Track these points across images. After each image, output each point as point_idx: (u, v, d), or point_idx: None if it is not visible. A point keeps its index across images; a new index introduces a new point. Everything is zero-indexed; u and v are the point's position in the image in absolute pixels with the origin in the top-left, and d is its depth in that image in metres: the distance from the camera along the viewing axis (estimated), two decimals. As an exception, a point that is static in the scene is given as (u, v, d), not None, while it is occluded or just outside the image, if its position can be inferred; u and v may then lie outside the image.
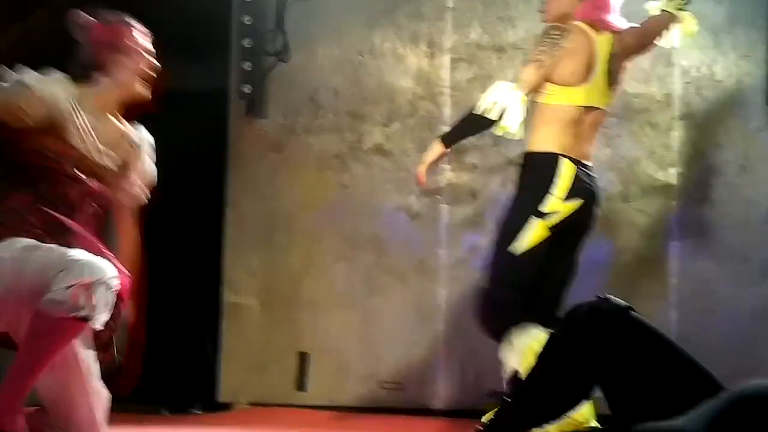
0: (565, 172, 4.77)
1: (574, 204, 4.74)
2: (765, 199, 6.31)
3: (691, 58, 6.42)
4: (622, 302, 3.40)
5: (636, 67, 6.38)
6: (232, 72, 6.76)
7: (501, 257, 4.76)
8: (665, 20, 4.95)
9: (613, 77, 4.94)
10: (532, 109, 4.86)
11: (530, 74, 4.75)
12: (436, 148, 4.83)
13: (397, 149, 6.67)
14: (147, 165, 4.43)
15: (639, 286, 6.36)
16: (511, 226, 4.74)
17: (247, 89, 6.69)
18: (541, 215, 4.70)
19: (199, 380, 6.77)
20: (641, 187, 6.44)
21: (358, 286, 6.69)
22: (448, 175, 6.58)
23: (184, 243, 6.88)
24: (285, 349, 6.67)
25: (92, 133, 4.18)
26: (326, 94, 6.74)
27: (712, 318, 6.28)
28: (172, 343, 6.61)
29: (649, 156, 6.44)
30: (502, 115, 4.66)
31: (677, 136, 6.43)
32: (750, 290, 6.31)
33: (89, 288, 3.85)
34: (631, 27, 4.95)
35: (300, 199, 6.72)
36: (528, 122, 4.86)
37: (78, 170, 4.14)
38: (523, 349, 4.60)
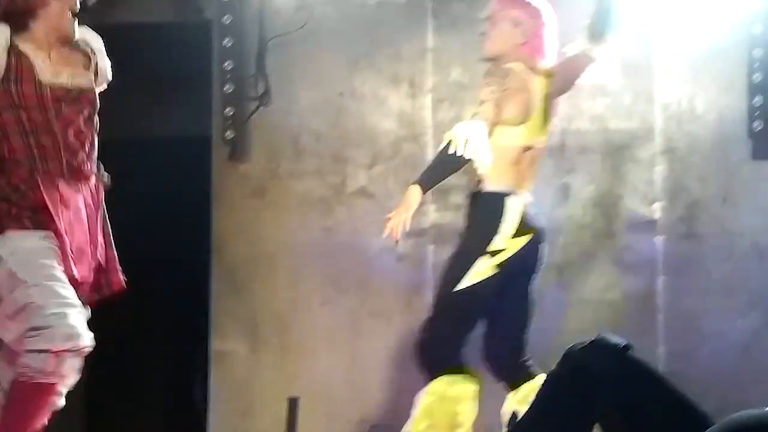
0: (513, 210, 4.82)
1: (522, 240, 4.76)
2: (749, 232, 6.32)
3: (671, 92, 6.44)
4: (621, 339, 3.40)
5: (617, 103, 6.45)
6: (214, 117, 6.76)
7: (446, 293, 4.78)
8: (584, 61, 4.99)
9: (548, 115, 4.97)
10: None
11: (489, 112, 4.76)
12: (416, 195, 4.74)
13: (380, 191, 6.67)
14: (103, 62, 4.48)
15: (627, 322, 6.35)
16: (460, 264, 4.77)
17: (229, 134, 6.69)
18: (489, 253, 4.71)
19: (189, 428, 6.73)
20: (625, 223, 6.45)
21: (344, 329, 6.68)
22: (432, 215, 6.58)
23: (170, 290, 6.86)
24: (274, 395, 6.63)
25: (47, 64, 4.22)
26: (308, 138, 6.74)
27: (699, 352, 6.28)
28: (161, 391, 6.59)
29: (633, 191, 6.45)
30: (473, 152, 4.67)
31: (660, 170, 6.44)
32: (736, 324, 6.32)
33: (60, 355, 3.97)
34: (559, 67, 4.98)
35: (284, 242, 6.71)
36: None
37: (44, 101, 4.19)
38: (433, 399, 4.67)
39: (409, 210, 4.71)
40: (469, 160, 4.64)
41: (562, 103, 6.38)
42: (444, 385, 4.70)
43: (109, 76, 4.48)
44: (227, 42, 6.68)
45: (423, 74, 6.65)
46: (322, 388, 6.64)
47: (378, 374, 6.62)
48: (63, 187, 4.21)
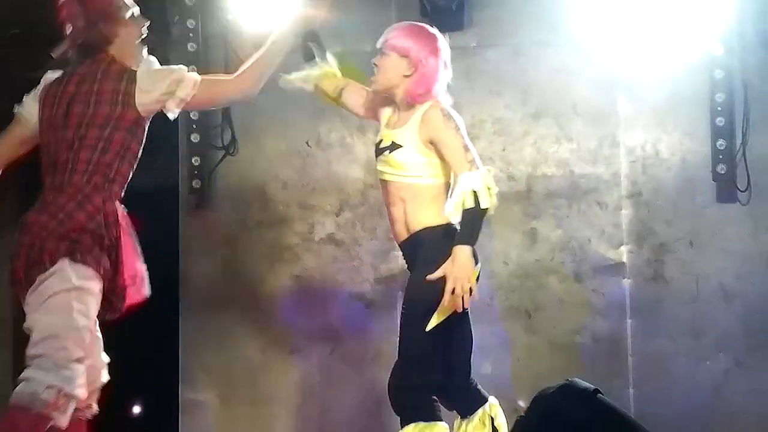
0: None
1: (477, 269, 4.71)
2: (715, 274, 6.36)
3: (635, 137, 6.50)
4: (589, 384, 3.41)
5: (582, 148, 6.49)
6: (181, 167, 6.76)
7: (413, 337, 4.73)
8: None
9: None
10: (399, 189, 4.85)
11: (475, 154, 4.76)
12: (470, 258, 4.61)
13: (348, 238, 6.68)
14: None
15: (597, 365, 6.37)
16: (422, 304, 4.69)
17: (196, 184, 6.69)
18: (454, 293, 4.66)
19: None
20: (593, 267, 6.48)
21: (315, 378, 6.66)
22: (401, 261, 6.56)
23: (140, 341, 6.82)
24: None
25: None
26: (275, 186, 6.75)
27: (668, 394, 6.29)
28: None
29: (600, 235, 6.49)
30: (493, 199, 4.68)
31: (626, 214, 6.48)
32: (704, 366, 6.34)
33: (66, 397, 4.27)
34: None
35: (253, 291, 6.69)
36: (400, 202, 4.85)
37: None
38: None
39: (472, 277, 4.66)
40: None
41: (528, 149, 6.47)
42: (420, 430, 4.67)
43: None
44: (193, 92, 6.69)
45: (389, 122, 6.66)
46: (293, 437, 6.63)
47: (350, 423, 6.59)
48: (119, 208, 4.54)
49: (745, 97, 6.33)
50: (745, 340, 6.34)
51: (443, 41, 4.86)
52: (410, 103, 4.81)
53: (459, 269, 4.56)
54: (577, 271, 6.50)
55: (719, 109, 6.32)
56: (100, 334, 4.65)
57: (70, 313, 4.36)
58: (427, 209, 4.77)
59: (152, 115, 4.58)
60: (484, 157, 4.88)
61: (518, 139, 6.48)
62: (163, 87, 4.52)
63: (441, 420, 4.72)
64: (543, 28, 6.55)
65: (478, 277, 4.69)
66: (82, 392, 4.36)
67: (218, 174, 6.79)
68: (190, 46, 6.66)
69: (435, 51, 4.81)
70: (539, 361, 6.37)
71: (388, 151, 4.82)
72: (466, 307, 4.63)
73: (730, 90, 6.32)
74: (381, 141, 4.91)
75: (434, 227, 4.77)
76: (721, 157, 6.30)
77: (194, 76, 4.61)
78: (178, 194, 6.79)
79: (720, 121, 6.31)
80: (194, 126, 6.69)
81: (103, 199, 4.44)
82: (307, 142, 6.76)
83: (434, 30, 4.88)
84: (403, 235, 4.86)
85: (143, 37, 4.68)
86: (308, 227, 6.74)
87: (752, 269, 6.34)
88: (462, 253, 4.58)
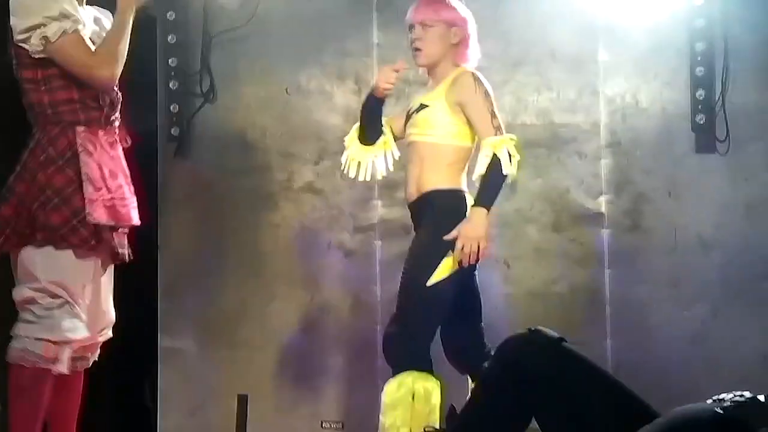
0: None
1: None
2: (694, 224, 6.37)
3: (615, 86, 6.48)
4: (554, 333, 3.41)
5: (562, 97, 6.48)
6: (159, 114, 6.73)
7: (415, 288, 4.79)
8: None
9: None
10: (421, 148, 4.94)
11: (499, 120, 4.87)
12: (486, 219, 4.77)
13: (328, 187, 6.67)
14: None
15: (575, 315, 6.39)
16: (425, 260, 4.79)
17: (175, 131, 6.66)
18: (454, 249, 4.75)
19: (138, 426, 6.70)
20: (572, 217, 6.48)
21: (293, 325, 6.67)
22: (380, 210, 6.58)
23: (117, 290, 6.81)
24: (223, 392, 6.61)
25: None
26: (254, 134, 6.73)
27: (646, 344, 6.32)
28: (109, 390, 6.53)
29: (579, 185, 6.48)
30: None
31: (605, 164, 6.48)
32: (682, 315, 6.36)
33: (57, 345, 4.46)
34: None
35: (231, 239, 6.69)
36: (419, 161, 4.94)
37: None
38: (404, 392, 4.70)
39: (485, 237, 4.72)
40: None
41: (507, 97, 6.45)
42: (413, 379, 4.72)
43: None
44: (171, 38, 6.66)
45: (368, 70, 6.65)
46: (272, 385, 6.65)
47: (328, 370, 6.62)
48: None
49: (725, 46, 6.30)
50: (723, 289, 6.35)
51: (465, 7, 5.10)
52: (448, 71, 4.99)
53: (470, 229, 4.73)
54: (556, 220, 6.50)
55: (699, 58, 6.29)
56: (105, 283, 4.73)
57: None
58: (442, 172, 4.90)
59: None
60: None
61: (498, 87, 6.40)
62: (38, 17, 4.48)
63: (433, 374, 4.78)
64: (523, -25, 6.53)
65: None
66: (73, 335, 4.51)
67: (197, 121, 6.76)
68: (170, 15, 6.62)
69: (467, 18, 5.06)
70: (517, 310, 6.38)
71: (416, 113, 4.96)
72: (471, 263, 4.71)
73: (710, 39, 6.29)
74: (411, 107, 5.04)
75: (443, 190, 4.89)
76: (700, 107, 6.28)
77: (71, 24, 4.51)
78: (157, 142, 6.76)
79: (700, 70, 6.29)
80: (173, 73, 6.66)
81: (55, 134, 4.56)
82: (286, 90, 6.73)
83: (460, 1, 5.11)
84: (413, 194, 5.01)
85: None
86: (287, 175, 6.73)
87: (730, 219, 6.35)
88: (476, 213, 4.77)
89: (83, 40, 4.55)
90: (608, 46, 6.47)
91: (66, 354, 4.53)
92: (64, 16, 4.48)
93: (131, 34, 4.70)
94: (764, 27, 6.30)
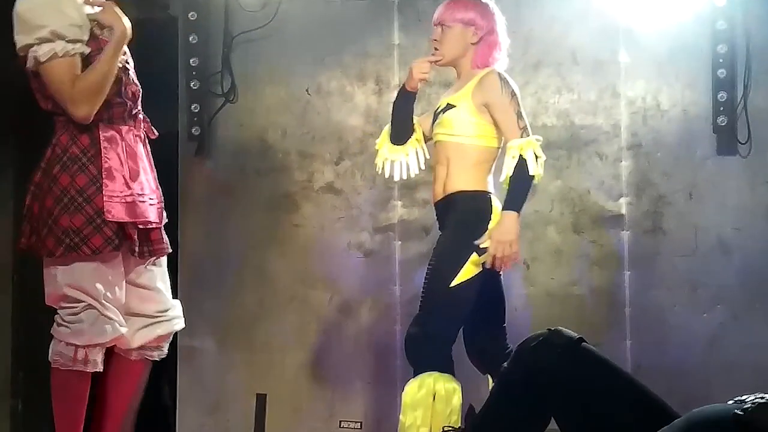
0: (496, 210, 4.90)
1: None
2: (714, 227, 6.35)
3: (636, 88, 6.47)
4: (573, 333, 3.40)
5: (582, 99, 6.47)
6: (180, 114, 6.75)
7: (439, 289, 4.80)
8: None
9: None
10: (447, 148, 4.95)
11: (526, 121, 4.86)
12: (517, 224, 4.78)
13: (347, 187, 6.67)
14: None
15: (594, 317, 6.39)
16: (449, 261, 4.79)
17: (195, 131, 6.68)
18: (479, 250, 4.75)
19: (157, 425, 6.71)
20: (592, 218, 6.47)
21: (312, 325, 6.68)
22: (399, 211, 6.59)
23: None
24: (242, 392, 6.64)
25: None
26: (275, 134, 6.74)
27: (665, 346, 6.31)
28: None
29: (599, 187, 6.48)
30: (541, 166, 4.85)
31: (626, 166, 6.47)
32: (701, 318, 6.35)
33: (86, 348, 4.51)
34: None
35: (251, 239, 6.70)
36: (445, 161, 4.96)
37: None
38: (425, 393, 4.71)
39: (516, 241, 4.74)
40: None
41: (528, 99, 6.45)
42: (434, 380, 4.72)
43: None
44: (193, 39, 6.67)
45: (389, 70, 6.66)
46: (291, 385, 6.65)
47: (347, 371, 6.62)
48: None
49: (747, 48, 6.29)
50: (742, 292, 6.34)
51: (497, 9, 5.08)
52: (473, 71, 4.99)
53: (502, 233, 4.74)
54: (576, 222, 6.49)
55: (721, 60, 6.28)
56: (149, 277, 4.77)
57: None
58: (468, 173, 4.90)
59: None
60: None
61: (519, 88, 6.44)
62: (30, 37, 4.45)
63: (454, 375, 4.78)
64: (545, -23, 6.53)
65: None
66: (101, 339, 4.54)
67: (218, 121, 6.77)
68: (191, 15, 6.64)
69: (494, 19, 5.04)
70: (537, 311, 6.37)
71: (442, 113, 4.97)
72: (506, 268, 4.72)
73: (732, 41, 6.28)
74: (438, 107, 5.04)
75: (468, 191, 4.90)
76: (722, 109, 6.27)
77: (63, 46, 4.44)
78: (178, 141, 6.78)
79: (721, 72, 6.28)
80: (194, 73, 6.67)
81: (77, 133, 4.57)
82: (306, 90, 6.74)
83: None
84: (439, 195, 5.02)
85: None
86: (307, 175, 6.73)
87: (751, 222, 6.34)
88: (507, 218, 4.78)
89: (71, 66, 4.45)
90: (629, 48, 6.46)
91: (97, 355, 4.56)
92: (58, 37, 4.41)
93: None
94: (786, 29, 6.29)
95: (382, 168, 5.29)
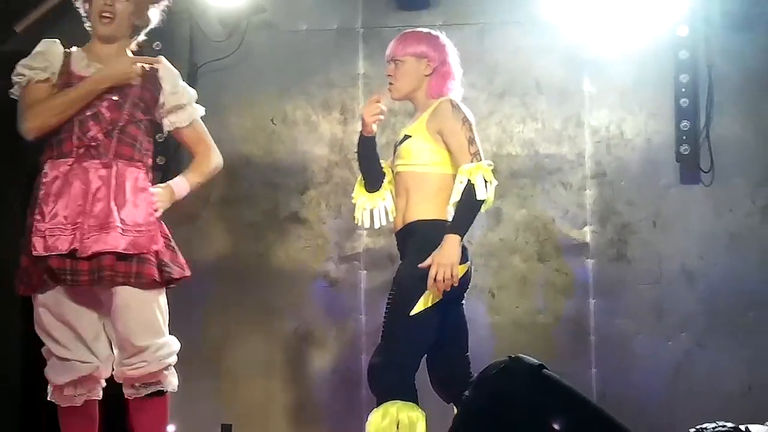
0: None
1: (465, 266, 4.80)
2: (678, 255, 6.39)
3: (600, 117, 6.51)
4: (534, 360, 3.41)
5: (547, 128, 6.50)
6: (145, 144, 6.72)
7: (399, 319, 4.79)
8: None
9: None
10: (406, 178, 4.95)
11: (479, 147, 4.86)
12: (459, 247, 4.71)
13: (313, 216, 6.67)
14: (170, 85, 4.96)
15: (559, 345, 6.39)
16: (408, 290, 4.77)
17: (161, 160, 6.65)
18: (436, 279, 4.74)
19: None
20: (557, 247, 6.50)
21: (278, 355, 6.66)
22: (365, 240, 6.59)
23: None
24: (208, 422, 6.59)
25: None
26: (240, 164, 6.73)
27: (630, 374, 6.33)
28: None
29: (564, 215, 6.51)
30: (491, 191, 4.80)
31: (590, 194, 6.50)
32: (666, 346, 6.38)
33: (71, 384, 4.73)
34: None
35: (216, 269, 6.67)
36: (404, 191, 4.95)
37: None
38: (388, 422, 4.69)
39: (456, 265, 4.71)
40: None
41: (493, 128, 6.47)
42: (397, 409, 4.70)
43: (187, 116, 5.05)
44: (157, 68, 6.65)
45: (354, 100, 6.68)
46: (256, 415, 6.62)
47: (313, 400, 6.60)
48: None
49: (709, 78, 6.36)
50: (707, 320, 6.38)
51: (448, 41, 5.09)
52: (428, 101, 4.99)
53: (442, 256, 4.69)
54: (541, 251, 6.52)
55: (683, 90, 6.34)
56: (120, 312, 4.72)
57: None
58: (427, 202, 4.90)
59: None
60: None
61: (483, 118, 6.48)
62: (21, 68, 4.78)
63: (418, 404, 4.76)
64: (509, 7, 6.56)
65: (468, 273, 4.85)
66: (59, 380, 4.72)
67: (183, 150, 6.72)
68: (156, 45, 6.62)
69: (446, 50, 5.05)
70: (502, 340, 6.38)
71: (400, 145, 4.98)
72: (445, 289, 4.70)
73: (694, 71, 6.34)
74: (397, 140, 5.08)
75: (427, 220, 4.90)
76: (684, 138, 6.32)
77: (35, 75, 4.72)
78: (142, 171, 6.75)
79: (684, 102, 6.33)
80: (159, 102, 6.66)
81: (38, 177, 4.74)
82: (272, 120, 6.75)
83: (435, 32, 5.10)
84: (399, 225, 5.03)
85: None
86: (273, 205, 6.73)
87: (714, 250, 6.38)
88: (448, 241, 4.74)
89: (33, 92, 4.68)
90: (593, 78, 6.51)
91: (71, 391, 4.75)
92: (29, 69, 4.69)
93: None
94: (748, 59, 6.35)
95: (362, 220, 5.26)
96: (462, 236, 4.73)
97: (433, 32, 5.09)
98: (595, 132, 6.52)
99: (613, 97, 6.51)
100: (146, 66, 4.83)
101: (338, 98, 6.70)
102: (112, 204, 4.63)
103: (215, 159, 5.14)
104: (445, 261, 4.69)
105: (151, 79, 4.87)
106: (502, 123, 6.57)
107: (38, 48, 4.77)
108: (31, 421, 6.48)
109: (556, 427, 3.28)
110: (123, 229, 4.63)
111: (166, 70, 4.96)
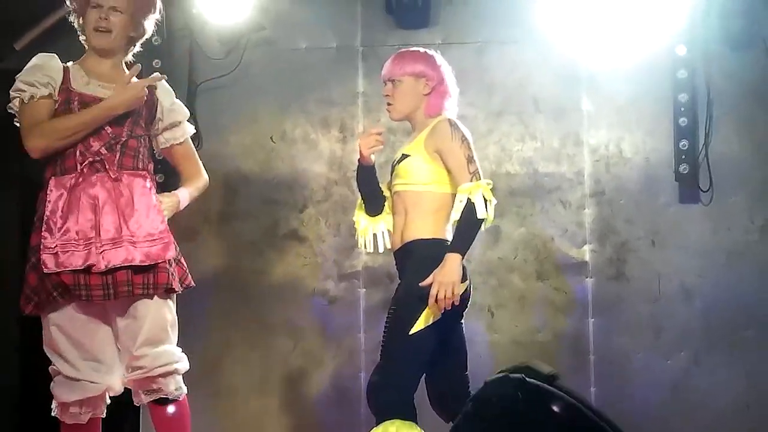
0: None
1: (465, 285, 4.80)
2: (676, 273, 6.40)
3: (599, 136, 6.53)
4: (548, 368, 3.43)
5: (545, 146, 6.52)
6: (144, 161, 6.73)
7: (398, 338, 4.79)
8: None
9: None
10: (404, 197, 4.94)
11: (478, 166, 4.86)
12: (459, 265, 4.72)
13: (312, 234, 6.68)
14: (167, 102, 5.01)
15: (558, 364, 6.36)
16: (407, 308, 4.77)
17: (160, 178, 6.64)
18: (437, 298, 4.74)
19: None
20: (556, 265, 6.50)
21: (276, 372, 6.66)
22: (364, 258, 6.59)
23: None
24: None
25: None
26: (239, 181, 6.74)
27: (629, 392, 6.34)
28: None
29: (563, 234, 6.51)
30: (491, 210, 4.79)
31: (589, 213, 6.51)
32: (665, 363, 6.39)
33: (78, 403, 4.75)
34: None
35: (215, 286, 6.67)
36: (403, 210, 4.94)
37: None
38: None
39: (458, 283, 4.71)
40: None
41: (492, 147, 6.49)
42: (396, 428, 4.70)
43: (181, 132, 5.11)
44: (157, 86, 6.66)
45: (353, 118, 6.69)
46: (254, 432, 6.62)
47: (311, 418, 6.59)
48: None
49: (708, 97, 6.38)
50: (705, 338, 6.39)
51: (443, 60, 5.09)
52: (426, 121, 4.98)
53: (444, 275, 4.69)
54: (540, 269, 6.52)
55: (682, 109, 6.35)
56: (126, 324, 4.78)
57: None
58: (425, 221, 4.89)
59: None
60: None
61: (482, 137, 6.49)
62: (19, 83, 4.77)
63: (417, 423, 4.76)
64: (507, 26, 6.57)
65: (467, 291, 4.85)
66: (66, 398, 4.74)
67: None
68: (154, 39, 6.60)
69: (442, 69, 5.05)
70: (501, 359, 6.37)
71: (398, 164, 4.98)
72: (447, 308, 4.69)
73: (693, 90, 6.36)
74: (395, 159, 5.05)
75: (426, 239, 4.89)
76: (683, 157, 6.34)
77: (35, 92, 4.70)
78: (142, 188, 6.75)
79: (683, 121, 6.35)
80: (158, 120, 6.67)
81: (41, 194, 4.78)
82: (271, 138, 6.75)
83: (431, 51, 5.10)
84: (397, 244, 5.01)
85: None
86: (272, 222, 6.73)
87: (713, 269, 6.39)
88: (450, 260, 4.74)
89: (35, 109, 4.67)
90: (591, 96, 6.52)
91: (77, 409, 4.76)
92: (28, 85, 4.68)
93: None
94: (747, 78, 6.37)
95: (366, 244, 5.26)
96: (463, 255, 4.74)
97: (429, 51, 5.09)
98: (594, 151, 6.53)
99: (612, 115, 6.52)
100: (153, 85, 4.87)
101: (337, 116, 6.71)
102: (123, 217, 4.66)
103: (205, 176, 5.22)
104: (446, 280, 4.69)
105: (149, 96, 4.89)
106: (501, 141, 6.58)
107: (35, 62, 4.76)
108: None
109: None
110: (136, 241, 4.67)
111: (163, 87, 5.02)
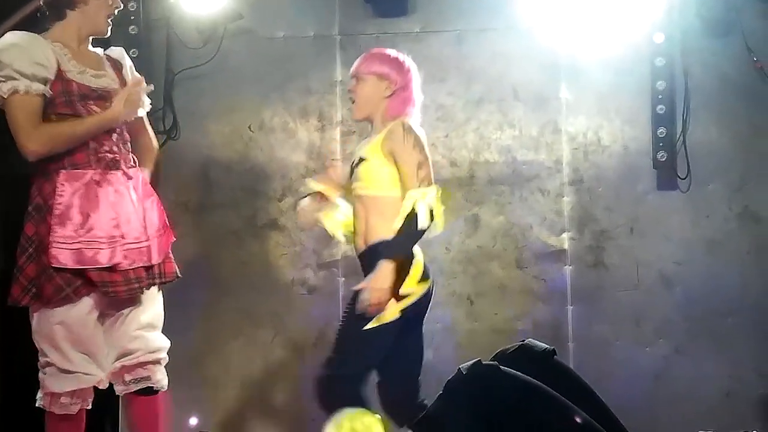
0: (419, 257, 4.86)
1: (424, 286, 4.80)
2: (656, 261, 6.41)
3: (577, 124, 6.53)
4: (544, 345, 3.47)
5: (524, 134, 6.51)
6: (122, 151, 6.71)
7: (351, 333, 4.79)
8: None
9: None
10: (365, 201, 4.93)
11: (430, 171, 4.83)
12: (391, 272, 4.70)
13: (291, 224, 6.66)
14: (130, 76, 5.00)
15: (538, 351, 6.39)
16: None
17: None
18: (398, 297, 4.73)
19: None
20: (535, 254, 6.51)
21: (257, 362, 6.65)
22: (343, 247, 6.58)
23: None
24: (187, 429, 6.57)
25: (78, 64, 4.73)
26: (218, 171, 6.73)
27: (609, 380, 6.31)
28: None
29: (541, 222, 6.52)
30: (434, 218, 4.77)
31: (567, 201, 6.51)
32: (644, 352, 6.40)
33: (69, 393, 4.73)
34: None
35: (195, 276, 6.64)
36: (364, 214, 4.94)
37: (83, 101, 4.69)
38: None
39: (389, 290, 4.70)
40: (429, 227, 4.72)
41: (471, 135, 6.48)
42: (350, 418, 4.69)
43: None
44: (135, 75, 6.64)
45: (332, 106, 6.68)
46: (235, 423, 6.61)
47: (292, 407, 6.59)
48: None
49: (685, 85, 6.38)
50: (685, 326, 6.40)
51: (413, 65, 5.07)
52: (385, 123, 4.96)
53: (374, 281, 4.70)
54: (519, 257, 6.53)
55: (660, 96, 6.36)
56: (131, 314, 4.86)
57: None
58: (386, 223, 4.87)
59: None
60: (427, 143, 4.91)
61: (461, 125, 6.49)
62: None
63: (370, 409, 4.75)
64: (486, 14, 6.56)
65: (429, 291, 4.87)
66: (59, 389, 4.72)
67: (160, 158, 6.73)
68: (131, 29, 6.60)
69: (409, 75, 5.03)
70: (481, 347, 6.36)
71: (356, 167, 4.96)
72: (372, 314, 4.70)
73: (671, 78, 6.36)
74: (353, 160, 5.02)
75: (389, 240, 4.84)
76: (661, 144, 6.34)
77: (25, 84, 4.59)
78: (119, 178, 6.74)
79: (661, 108, 6.35)
80: (135, 109, 6.64)
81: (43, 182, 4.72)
82: (249, 127, 6.74)
83: (402, 55, 5.08)
84: (361, 247, 5.00)
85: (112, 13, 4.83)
86: (251, 212, 6.72)
87: (692, 256, 6.40)
88: (382, 266, 4.73)
89: (30, 104, 4.58)
90: (570, 84, 6.52)
91: (68, 400, 4.74)
92: (22, 75, 4.55)
93: None
94: (724, 66, 6.38)
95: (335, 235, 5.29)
96: (397, 262, 4.70)
97: (401, 56, 5.06)
98: (573, 139, 6.54)
99: (590, 103, 6.52)
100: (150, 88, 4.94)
101: (316, 105, 6.70)
102: (141, 215, 4.78)
103: (156, 145, 5.25)
104: (377, 285, 4.69)
105: (122, 77, 4.94)
106: (480, 130, 6.58)
107: (21, 44, 4.60)
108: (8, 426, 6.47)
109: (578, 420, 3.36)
110: (153, 237, 4.83)
111: (126, 61, 5.05)
